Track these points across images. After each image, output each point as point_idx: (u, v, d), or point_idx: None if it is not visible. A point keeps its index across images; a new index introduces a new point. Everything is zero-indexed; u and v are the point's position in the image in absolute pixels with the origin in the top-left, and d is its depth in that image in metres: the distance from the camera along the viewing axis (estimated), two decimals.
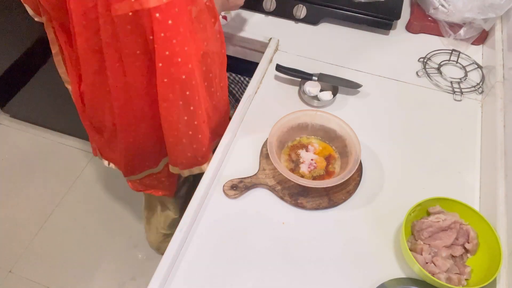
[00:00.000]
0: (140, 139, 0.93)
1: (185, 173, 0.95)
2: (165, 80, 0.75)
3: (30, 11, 0.94)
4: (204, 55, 0.81)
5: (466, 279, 0.70)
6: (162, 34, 0.70)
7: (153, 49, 0.72)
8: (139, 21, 0.68)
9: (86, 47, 0.77)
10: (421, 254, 0.71)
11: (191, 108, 0.81)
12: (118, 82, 0.80)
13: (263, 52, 1.06)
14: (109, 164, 1.13)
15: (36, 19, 0.96)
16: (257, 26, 1.13)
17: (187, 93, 0.78)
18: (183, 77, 0.75)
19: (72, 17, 0.72)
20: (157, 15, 0.67)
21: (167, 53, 0.71)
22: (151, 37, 0.69)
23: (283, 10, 1.13)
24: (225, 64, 0.91)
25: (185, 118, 0.82)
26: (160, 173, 1.09)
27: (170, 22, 0.69)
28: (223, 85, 0.93)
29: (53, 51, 0.98)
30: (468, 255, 0.73)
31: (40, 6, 0.84)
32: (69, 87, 1.04)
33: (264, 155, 0.85)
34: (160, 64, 0.73)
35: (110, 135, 0.98)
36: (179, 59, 0.73)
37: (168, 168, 1.04)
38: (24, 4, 0.92)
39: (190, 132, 0.85)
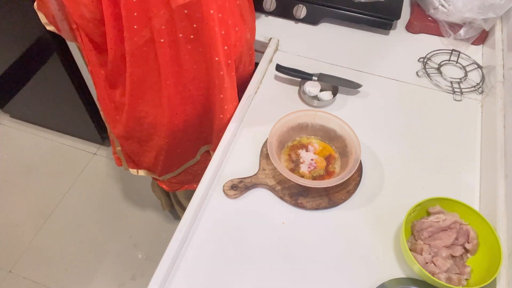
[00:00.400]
0: (185, 126, 0.97)
1: None
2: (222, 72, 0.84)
3: (43, 19, 0.93)
4: (248, 40, 0.91)
5: (466, 279, 0.70)
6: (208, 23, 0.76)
7: (205, 34, 0.77)
8: (195, 7, 0.72)
9: (136, 39, 0.78)
10: (421, 254, 0.71)
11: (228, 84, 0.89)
12: (169, 68, 0.83)
13: (263, 52, 1.06)
14: (138, 173, 1.14)
15: (48, 28, 0.95)
16: (257, 26, 1.12)
17: (232, 73, 0.88)
18: (229, 62, 0.84)
19: (123, 10, 0.74)
20: (211, 11, 0.74)
21: (221, 44, 0.79)
22: (206, 23, 0.75)
23: (283, 10, 1.13)
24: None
25: (221, 96, 0.90)
26: (197, 164, 1.12)
27: (220, 15, 0.76)
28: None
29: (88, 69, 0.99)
30: (468, 255, 0.73)
31: (69, 17, 0.84)
32: (97, 102, 1.05)
33: (264, 155, 0.85)
34: (217, 58, 0.81)
35: (148, 135, 1.00)
36: (226, 47, 0.81)
37: (204, 158, 1.09)
38: (38, 12, 0.92)
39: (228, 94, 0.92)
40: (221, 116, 0.93)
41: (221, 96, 0.88)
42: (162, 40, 0.78)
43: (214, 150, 1.03)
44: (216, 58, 0.81)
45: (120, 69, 0.86)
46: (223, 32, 0.79)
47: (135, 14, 0.74)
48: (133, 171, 1.14)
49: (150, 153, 1.05)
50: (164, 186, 1.19)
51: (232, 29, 0.81)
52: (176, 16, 0.74)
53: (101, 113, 1.05)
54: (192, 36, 0.78)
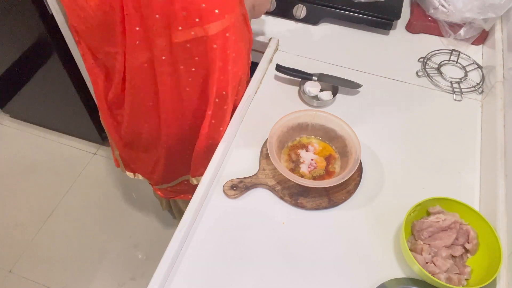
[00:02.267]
0: (182, 145, 0.97)
1: None
2: (217, 100, 0.84)
3: None
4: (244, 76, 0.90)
5: (466, 279, 0.70)
6: (219, 63, 0.76)
7: (209, 68, 0.77)
8: (199, 44, 0.72)
9: (137, 63, 0.78)
10: (421, 254, 0.71)
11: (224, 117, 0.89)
12: (168, 95, 0.83)
13: (263, 52, 1.06)
14: (134, 176, 1.15)
15: None
16: (257, 26, 1.13)
17: (225, 107, 0.86)
18: (223, 93, 0.83)
19: (126, 35, 0.73)
20: (214, 45, 0.73)
21: (218, 75, 0.78)
22: (207, 57, 0.74)
23: (283, 10, 1.13)
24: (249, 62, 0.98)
25: (212, 121, 0.89)
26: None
27: (216, 46, 0.74)
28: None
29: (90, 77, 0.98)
30: (468, 255, 0.73)
31: (72, 28, 0.83)
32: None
33: (264, 155, 0.85)
34: (215, 89, 0.81)
35: (145, 147, 1.00)
36: (222, 77, 0.80)
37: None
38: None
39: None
40: (210, 141, 0.93)
41: (213, 121, 0.89)
42: (162, 69, 0.78)
43: (192, 175, 1.04)
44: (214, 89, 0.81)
45: (121, 85, 0.87)
46: (221, 64, 0.79)
47: (137, 42, 0.74)
48: (130, 174, 1.15)
49: (148, 162, 1.05)
50: (159, 193, 1.19)
51: (232, 63, 0.80)
52: (178, 48, 0.73)
53: (101, 117, 1.05)
54: (193, 69, 0.78)
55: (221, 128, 0.90)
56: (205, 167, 0.95)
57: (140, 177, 1.14)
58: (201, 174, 0.99)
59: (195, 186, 1.15)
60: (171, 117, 0.89)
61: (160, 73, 0.79)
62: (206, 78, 0.80)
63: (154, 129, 0.94)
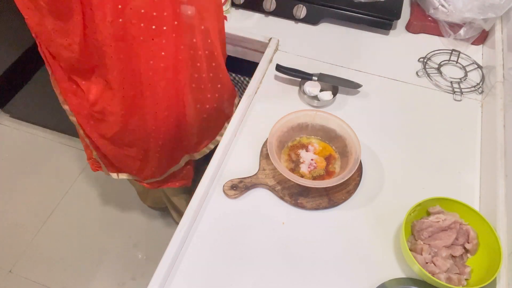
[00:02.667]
0: (171, 131, 0.97)
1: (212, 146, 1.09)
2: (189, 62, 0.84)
3: None
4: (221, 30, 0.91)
5: (466, 279, 0.70)
6: (176, 22, 0.76)
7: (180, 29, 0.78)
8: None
9: (119, 41, 0.76)
10: (421, 254, 0.71)
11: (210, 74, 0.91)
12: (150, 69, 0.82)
13: (263, 52, 1.06)
14: (118, 176, 1.14)
15: None
16: (257, 26, 1.13)
17: (198, 64, 0.87)
18: (191, 52, 0.83)
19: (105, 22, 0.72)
20: (165, 13, 0.73)
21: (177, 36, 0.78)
22: (178, 10, 0.75)
23: (283, 10, 1.13)
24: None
25: (209, 85, 0.92)
26: (180, 170, 1.14)
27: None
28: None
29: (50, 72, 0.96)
30: (468, 255, 0.73)
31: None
32: (66, 107, 1.03)
33: (264, 155, 0.85)
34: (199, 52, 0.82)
35: (131, 140, 0.98)
36: (194, 40, 0.82)
37: (186, 163, 1.12)
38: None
39: (217, 95, 0.97)
40: (198, 105, 0.93)
41: (193, 85, 0.89)
42: (136, 41, 0.76)
43: (194, 151, 1.06)
44: (200, 52, 0.82)
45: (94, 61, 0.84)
46: (176, 22, 0.77)
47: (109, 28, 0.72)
48: (113, 175, 1.14)
49: (135, 157, 1.04)
50: (145, 184, 1.18)
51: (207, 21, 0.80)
52: (132, 17, 0.72)
53: (74, 118, 1.01)
54: (165, 28, 0.76)
55: (202, 87, 0.90)
56: (206, 137, 0.95)
57: (124, 176, 1.13)
58: (201, 148, 1.01)
59: (178, 175, 1.16)
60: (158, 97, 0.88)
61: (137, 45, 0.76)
62: (171, 48, 0.79)
63: (144, 118, 0.92)
